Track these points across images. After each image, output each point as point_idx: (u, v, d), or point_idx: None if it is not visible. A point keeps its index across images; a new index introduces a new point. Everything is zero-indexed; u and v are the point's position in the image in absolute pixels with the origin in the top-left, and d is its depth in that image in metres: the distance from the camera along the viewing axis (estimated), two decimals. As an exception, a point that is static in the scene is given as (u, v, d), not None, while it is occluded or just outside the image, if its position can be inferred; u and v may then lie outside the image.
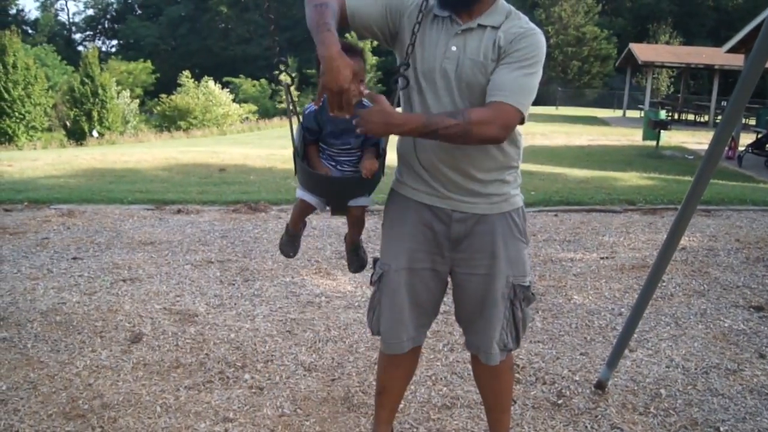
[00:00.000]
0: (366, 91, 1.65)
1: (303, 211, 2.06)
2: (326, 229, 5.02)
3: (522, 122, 1.71)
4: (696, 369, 2.87)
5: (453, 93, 1.72)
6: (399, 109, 1.83)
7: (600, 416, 2.46)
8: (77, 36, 62.05)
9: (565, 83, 41.67)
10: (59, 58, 40.11)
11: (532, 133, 17.27)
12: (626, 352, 2.85)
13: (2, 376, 2.62)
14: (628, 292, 3.81)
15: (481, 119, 1.62)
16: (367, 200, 1.96)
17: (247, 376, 2.70)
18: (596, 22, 43.80)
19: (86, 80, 25.74)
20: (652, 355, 3.01)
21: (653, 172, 9.84)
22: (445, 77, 1.72)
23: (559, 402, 2.55)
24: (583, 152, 14.70)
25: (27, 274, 3.89)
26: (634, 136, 17.95)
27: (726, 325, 3.38)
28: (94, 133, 24.81)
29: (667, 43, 37.39)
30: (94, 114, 25.43)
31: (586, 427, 2.39)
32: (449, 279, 1.95)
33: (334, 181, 1.90)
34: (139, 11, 59.45)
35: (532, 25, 1.72)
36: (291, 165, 1.92)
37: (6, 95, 23.84)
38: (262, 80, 38.47)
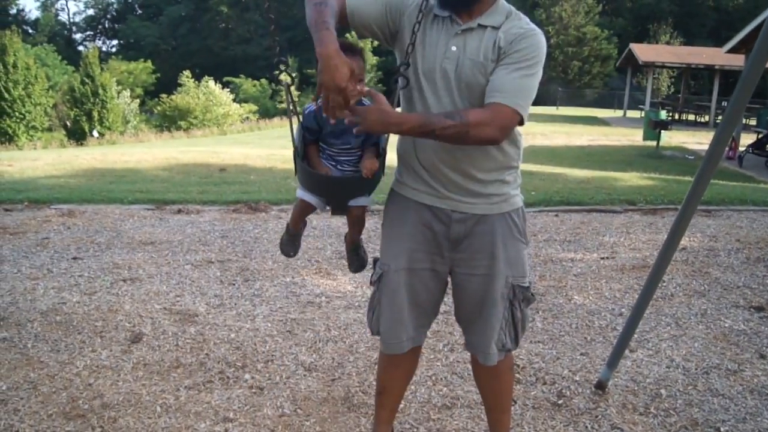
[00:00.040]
0: (365, 89, 1.65)
1: (303, 210, 2.06)
2: (326, 229, 5.02)
3: (522, 123, 1.71)
4: (696, 369, 2.87)
5: (453, 93, 1.72)
6: (399, 109, 1.83)
7: (600, 416, 2.45)
8: (77, 36, 62.13)
9: (566, 83, 41.66)
10: (59, 57, 40.14)
11: (532, 133, 17.27)
12: (626, 352, 2.85)
13: (2, 376, 2.62)
14: (628, 293, 3.81)
15: (478, 120, 1.62)
16: (367, 200, 1.95)
17: (247, 376, 2.70)
18: (597, 22, 43.80)
19: (86, 80, 25.76)
20: (652, 355, 3.01)
21: (654, 173, 9.84)
22: (445, 77, 1.72)
23: (560, 402, 2.55)
24: (583, 152, 14.70)
25: (27, 274, 3.89)
26: (635, 137, 17.94)
27: (726, 325, 3.38)
28: (95, 133, 24.82)
29: (668, 43, 37.40)
30: (95, 114, 25.46)
31: (587, 427, 2.38)
32: (449, 279, 1.95)
33: (335, 180, 1.90)
34: (140, 11, 59.47)
35: (533, 26, 1.72)
36: (291, 165, 1.92)
37: (6, 95, 23.87)
38: (263, 80, 38.50)
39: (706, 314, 3.53)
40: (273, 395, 2.55)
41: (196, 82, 31.33)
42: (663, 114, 17.83)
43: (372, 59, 39.80)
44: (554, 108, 32.27)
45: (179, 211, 5.69)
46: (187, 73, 32.24)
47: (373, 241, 4.10)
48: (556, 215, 5.86)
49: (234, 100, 31.98)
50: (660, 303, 3.66)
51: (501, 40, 1.69)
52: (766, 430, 2.41)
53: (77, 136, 24.76)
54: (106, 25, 62.37)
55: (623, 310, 3.53)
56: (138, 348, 2.93)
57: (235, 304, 3.52)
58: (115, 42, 60.19)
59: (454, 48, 1.71)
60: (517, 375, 2.73)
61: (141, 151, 11.80)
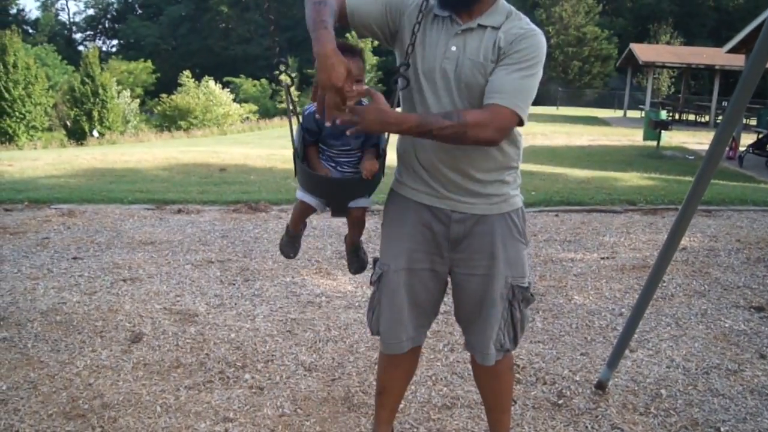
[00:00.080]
0: (364, 87, 1.65)
1: (303, 212, 2.06)
2: (326, 229, 5.02)
3: (521, 124, 1.70)
4: (696, 369, 2.87)
5: (453, 93, 1.72)
6: (399, 109, 1.82)
7: (600, 416, 2.45)
8: (78, 36, 62.15)
9: (566, 83, 41.65)
10: (60, 57, 40.14)
11: (532, 133, 17.27)
12: (627, 352, 2.85)
13: (2, 376, 2.62)
14: (628, 293, 3.81)
15: (476, 121, 1.62)
16: (367, 201, 1.95)
17: (247, 376, 2.70)
18: (597, 22, 43.79)
19: (87, 80, 25.77)
20: (652, 355, 3.01)
21: (654, 173, 9.83)
22: (444, 77, 1.72)
23: (560, 402, 2.55)
24: (583, 152, 14.70)
25: (27, 273, 3.89)
26: (635, 137, 17.94)
27: (727, 325, 3.38)
28: (95, 133, 24.83)
29: (668, 43, 37.40)
30: (95, 114, 25.47)
31: (587, 427, 2.38)
32: (449, 279, 1.95)
33: (334, 182, 1.89)
34: (140, 11, 59.48)
35: (533, 26, 1.72)
36: (291, 165, 1.91)
37: (6, 95, 23.88)
38: (263, 80, 38.51)
39: (707, 314, 3.52)
40: (273, 395, 2.55)
41: (196, 82, 31.34)
42: (663, 114, 17.82)
43: (372, 59, 39.79)
44: (554, 108, 32.27)
45: (179, 211, 5.69)
46: (187, 73, 32.24)
47: (373, 241, 4.10)
48: (557, 215, 5.86)
49: (234, 100, 31.99)
50: (660, 303, 3.66)
51: (501, 41, 1.68)
52: (766, 430, 2.41)
53: (77, 136, 24.77)
54: (106, 25, 62.39)
55: (623, 310, 3.53)
56: (138, 348, 2.93)
57: (235, 304, 3.52)
58: (115, 42, 60.25)
59: (453, 48, 1.71)
60: (517, 375, 2.73)
61: (141, 151, 11.81)
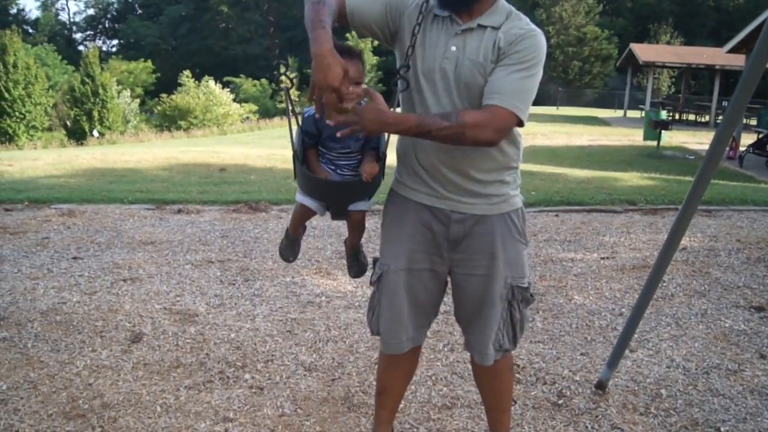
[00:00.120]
0: (363, 87, 1.64)
1: (303, 215, 2.05)
2: (326, 229, 5.02)
3: (521, 125, 1.70)
4: (697, 369, 2.86)
5: (452, 93, 1.72)
6: (399, 110, 1.82)
7: (600, 416, 2.45)
8: (78, 35, 62.14)
9: (566, 83, 41.65)
10: (60, 57, 40.12)
11: (532, 133, 17.27)
12: (627, 352, 2.85)
13: (2, 375, 2.62)
14: (628, 293, 3.81)
15: (474, 122, 1.62)
16: (367, 204, 1.94)
17: (247, 375, 2.70)
18: (597, 22, 43.79)
19: (87, 80, 25.75)
20: (652, 355, 3.01)
21: (654, 173, 9.83)
22: (444, 77, 1.72)
23: (560, 402, 2.55)
24: (583, 152, 14.69)
25: (27, 273, 3.89)
26: (635, 137, 17.94)
27: (727, 325, 3.38)
28: (95, 133, 24.82)
29: (668, 43, 37.39)
30: (95, 114, 25.45)
31: (587, 427, 2.38)
32: (449, 279, 1.95)
33: (334, 185, 1.89)
34: (140, 11, 59.47)
35: (533, 26, 1.71)
36: (291, 165, 1.91)
37: (6, 95, 23.87)
38: (263, 80, 38.49)
39: (707, 314, 3.52)
40: (273, 395, 2.55)
41: (196, 81, 31.32)
42: (663, 114, 17.82)
43: (372, 59, 39.79)
44: (554, 108, 32.27)
45: (179, 211, 5.69)
46: (187, 72, 32.22)
47: (373, 241, 4.10)
48: (557, 215, 5.86)
49: (234, 100, 31.96)
50: (660, 303, 3.66)
51: (501, 41, 1.68)
52: (766, 430, 2.41)
53: (77, 135, 24.75)
54: (107, 25, 62.39)
55: (623, 310, 3.53)
56: (138, 348, 2.93)
57: (235, 304, 3.52)
58: (115, 42, 60.24)
59: (453, 48, 1.71)
60: (517, 375, 2.73)
61: (141, 151, 11.80)
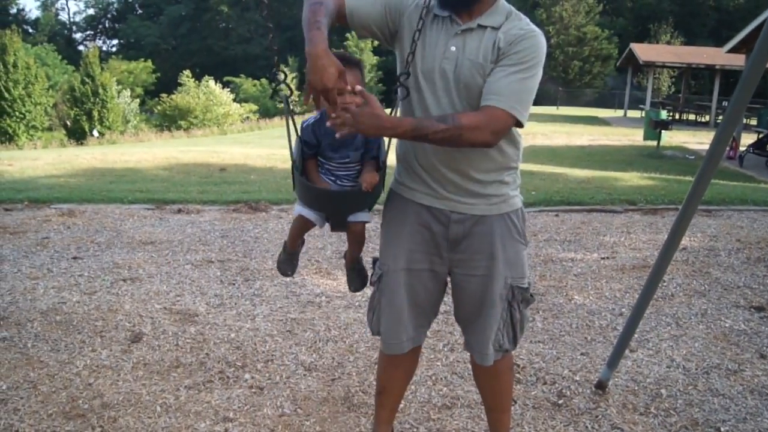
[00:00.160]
0: (358, 88, 1.63)
1: (302, 227, 2.02)
2: (326, 229, 5.00)
3: (520, 125, 1.70)
4: (697, 369, 2.86)
5: (452, 94, 1.71)
6: (399, 114, 1.81)
7: (600, 416, 2.45)
8: (78, 35, 62.15)
9: (566, 83, 41.67)
10: (60, 57, 40.12)
11: (533, 133, 17.27)
12: (627, 352, 2.85)
13: (2, 375, 2.62)
14: (628, 292, 3.81)
15: (471, 124, 1.61)
16: (367, 216, 1.93)
17: (247, 375, 2.70)
18: (597, 22, 43.81)
19: (87, 80, 25.76)
20: (652, 355, 3.01)
21: (654, 172, 9.83)
22: (444, 78, 1.71)
23: (560, 402, 2.55)
24: (583, 152, 14.69)
25: (27, 273, 3.89)
26: (635, 136, 17.94)
27: (727, 325, 3.38)
28: (95, 133, 24.83)
29: (669, 43, 37.40)
30: (95, 113, 25.46)
31: (587, 427, 2.38)
32: (448, 279, 1.95)
33: (333, 194, 1.87)
34: (140, 11, 59.48)
35: (533, 27, 1.71)
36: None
37: (6, 94, 23.88)
38: (263, 80, 38.48)
39: (707, 314, 3.52)
40: (273, 395, 2.55)
41: (197, 81, 31.32)
42: (663, 114, 17.83)
43: (372, 59, 39.82)
44: (554, 108, 32.27)
45: (179, 211, 5.69)
46: (187, 72, 32.22)
47: (373, 241, 4.09)
48: (557, 215, 5.86)
49: (234, 100, 31.97)
50: (660, 303, 3.66)
51: (500, 41, 1.68)
52: (766, 430, 2.41)
53: (77, 135, 24.76)
54: (107, 25, 62.41)
55: (623, 310, 3.53)
56: (138, 348, 2.93)
57: (235, 303, 3.52)
58: (115, 41, 60.25)
59: (453, 48, 1.71)
60: (517, 375, 2.73)
61: (141, 151, 11.80)
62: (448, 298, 2.02)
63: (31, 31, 53.88)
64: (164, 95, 30.38)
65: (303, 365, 2.81)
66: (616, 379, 2.73)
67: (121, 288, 3.69)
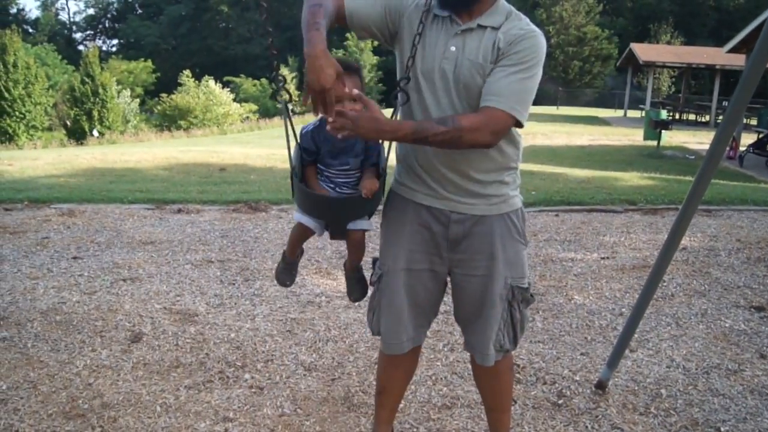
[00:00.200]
0: (356, 92, 1.63)
1: (301, 235, 2.00)
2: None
3: (520, 125, 1.70)
4: (697, 369, 2.86)
5: (451, 94, 1.71)
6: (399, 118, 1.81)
7: (600, 416, 2.45)
8: (78, 35, 62.15)
9: (566, 83, 41.67)
10: (60, 57, 40.12)
11: (533, 133, 17.27)
12: (627, 352, 2.85)
13: (2, 375, 2.62)
14: (628, 292, 3.81)
15: (471, 126, 1.61)
16: (368, 224, 1.91)
17: (247, 375, 2.70)
18: (597, 21, 43.82)
19: (87, 79, 25.76)
20: (652, 355, 3.01)
21: (654, 172, 9.83)
22: (443, 78, 1.71)
23: (560, 402, 2.55)
24: (583, 152, 14.69)
25: (27, 273, 3.89)
26: (635, 136, 17.94)
27: (727, 325, 3.38)
28: (95, 133, 24.83)
29: (669, 43, 37.40)
30: (95, 113, 25.46)
31: (587, 427, 2.38)
32: (448, 279, 1.95)
33: (333, 200, 1.85)
34: (140, 10, 59.49)
35: (533, 27, 1.71)
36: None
37: (6, 94, 23.89)
38: (263, 80, 38.48)
39: (707, 314, 3.52)
40: (273, 395, 2.55)
41: (196, 81, 31.31)
42: (664, 114, 17.83)
43: (372, 59, 39.81)
44: (555, 108, 32.26)
45: (179, 211, 5.69)
46: (187, 72, 32.22)
47: (373, 241, 4.09)
48: (557, 215, 5.86)
49: (234, 100, 31.97)
50: (660, 303, 3.66)
51: (500, 41, 1.67)
52: (766, 430, 2.40)
53: (77, 135, 24.76)
54: (107, 25, 62.41)
55: (623, 309, 3.53)
56: (138, 348, 2.93)
57: (235, 303, 3.52)
58: (115, 41, 60.26)
59: (453, 48, 1.70)
60: (517, 375, 2.73)
61: (141, 151, 11.80)
62: (448, 298, 2.02)
63: (31, 31, 53.89)
64: (164, 95, 30.39)
65: (303, 365, 2.81)
66: (616, 379, 2.73)
67: (121, 288, 3.69)
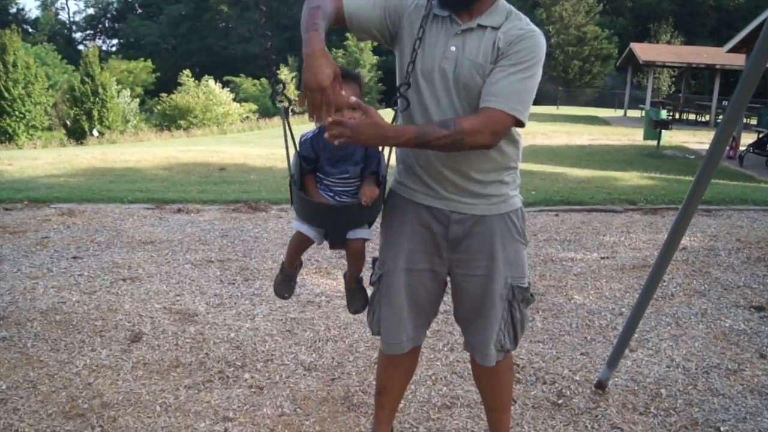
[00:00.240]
0: (353, 99, 1.62)
1: (300, 245, 1.99)
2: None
3: (520, 125, 1.69)
4: (696, 369, 2.86)
5: (451, 94, 1.71)
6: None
7: (600, 416, 2.45)
8: (77, 35, 62.15)
9: (566, 83, 41.68)
10: (59, 57, 40.12)
11: (533, 133, 17.27)
12: (627, 351, 2.85)
13: (2, 375, 2.62)
14: (628, 292, 3.81)
15: (472, 128, 1.61)
16: (368, 233, 1.90)
17: (247, 375, 2.70)
18: (597, 21, 43.82)
19: (86, 79, 25.76)
20: (652, 355, 3.01)
21: (654, 172, 9.83)
22: (443, 78, 1.71)
23: (560, 402, 2.55)
24: (583, 152, 14.70)
25: (27, 273, 3.89)
26: (635, 136, 17.94)
27: (727, 325, 3.38)
28: (95, 132, 24.82)
29: (669, 42, 37.41)
30: (95, 113, 25.46)
31: (587, 427, 2.38)
32: (448, 279, 1.95)
33: (332, 208, 1.83)
34: (140, 10, 59.50)
35: (533, 27, 1.71)
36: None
37: (6, 94, 23.89)
38: (263, 79, 38.47)
39: (707, 314, 3.52)
40: (273, 395, 2.55)
41: (196, 81, 31.30)
42: (663, 113, 17.84)
43: (372, 59, 39.80)
44: (554, 107, 32.27)
45: (179, 211, 5.69)
46: (187, 72, 32.21)
47: (373, 241, 4.09)
48: (557, 215, 5.86)
49: (234, 100, 31.96)
50: (660, 303, 3.66)
51: (500, 41, 1.67)
52: (766, 430, 2.40)
53: (77, 135, 24.75)
54: (106, 25, 62.41)
55: (623, 309, 3.53)
56: (138, 347, 2.92)
57: (235, 303, 3.52)
58: (115, 41, 60.26)
59: (453, 48, 1.70)
60: (517, 375, 2.73)
61: (141, 151, 11.80)
62: (448, 298, 2.02)
63: (30, 30, 53.88)
64: (164, 95, 30.38)
65: (303, 365, 2.81)
66: (616, 379, 2.73)
67: (120, 288, 3.69)
